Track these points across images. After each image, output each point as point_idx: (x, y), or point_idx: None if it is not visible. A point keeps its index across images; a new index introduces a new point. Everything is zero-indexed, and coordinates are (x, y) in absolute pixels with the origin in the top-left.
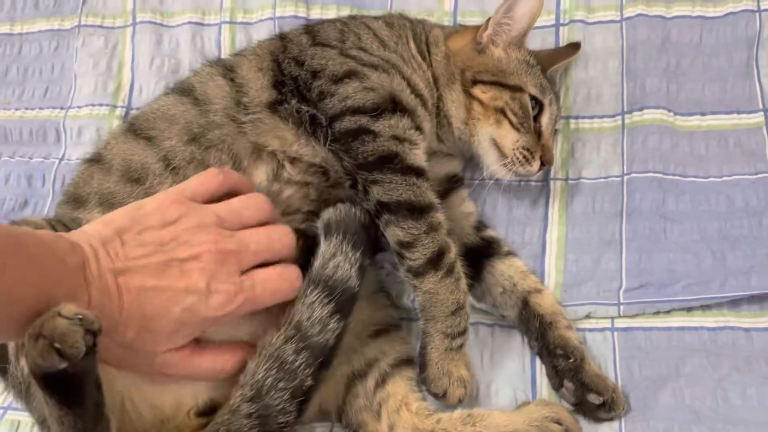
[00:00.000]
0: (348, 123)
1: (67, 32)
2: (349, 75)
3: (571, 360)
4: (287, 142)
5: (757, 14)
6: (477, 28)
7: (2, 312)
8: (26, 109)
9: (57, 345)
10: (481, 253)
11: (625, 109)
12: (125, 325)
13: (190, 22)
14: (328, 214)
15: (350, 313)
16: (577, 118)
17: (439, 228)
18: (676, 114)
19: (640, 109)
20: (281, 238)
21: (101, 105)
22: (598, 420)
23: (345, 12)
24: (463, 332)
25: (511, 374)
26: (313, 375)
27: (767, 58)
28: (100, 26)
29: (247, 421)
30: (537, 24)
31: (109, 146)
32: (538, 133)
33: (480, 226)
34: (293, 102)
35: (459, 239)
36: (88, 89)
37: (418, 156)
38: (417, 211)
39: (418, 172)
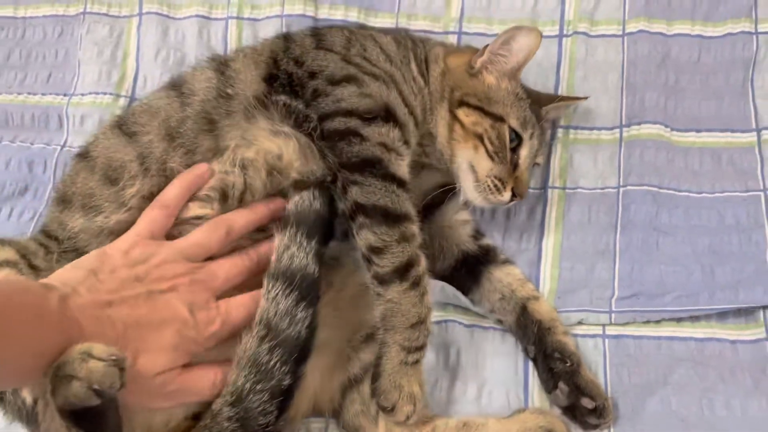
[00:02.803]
0: (338, 123)
1: (72, 18)
2: (348, 79)
3: (568, 364)
4: (255, 145)
5: (754, 36)
6: (476, 50)
7: None
8: (29, 93)
9: (96, 387)
10: (478, 261)
11: (624, 123)
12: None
13: (197, 15)
14: (287, 208)
15: (317, 299)
16: (576, 128)
17: (411, 239)
18: (672, 129)
19: (638, 123)
20: (241, 266)
21: (105, 94)
22: (587, 426)
23: (353, 13)
24: (420, 347)
25: (504, 377)
26: (290, 372)
27: (762, 80)
28: (105, 14)
29: (227, 424)
30: (548, 34)
31: (96, 142)
32: (515, 165)
33: (477, 234)
34: (282, 96)
35: (457, 246)
36: (92, 77)
37: (401, 167)
38: (392, 218)
39: (399, 182)
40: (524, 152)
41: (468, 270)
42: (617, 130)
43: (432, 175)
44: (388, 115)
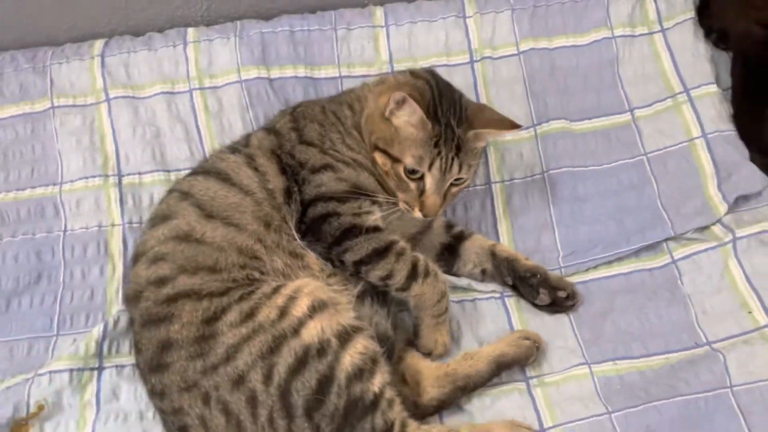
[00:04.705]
0: (320, 208)
1: (41, 114)
2: (326, 167)
3: (538, 276)
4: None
5: (612, 40)
6: (390, 89)
7: None
8: (17, 190)
9: None
10: (454, 244)
11: (535, 122)
12: None
13: (162, 92)
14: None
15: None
16: None
17: (404, 252)
18: (571, 121)
19: (547, 121)
20: None
21: (94, 177)
22: (566, 309)
23: (300, 70)
24: (446, 310)
25: (495, 330)
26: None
27: (625, 71)
28: (73, 105)
29: None
30: (456, 62)
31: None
32: (422, 191)
33: (448, 226)
34: (295, 187)
35: (437, 241)
36: (77, 164)
37: (374, 218)
38: (383, 251)
39: (375, 229)
40: (429, 181)
41: (449, 253)
42: (532, 129)
43: None
44: (358, 192)
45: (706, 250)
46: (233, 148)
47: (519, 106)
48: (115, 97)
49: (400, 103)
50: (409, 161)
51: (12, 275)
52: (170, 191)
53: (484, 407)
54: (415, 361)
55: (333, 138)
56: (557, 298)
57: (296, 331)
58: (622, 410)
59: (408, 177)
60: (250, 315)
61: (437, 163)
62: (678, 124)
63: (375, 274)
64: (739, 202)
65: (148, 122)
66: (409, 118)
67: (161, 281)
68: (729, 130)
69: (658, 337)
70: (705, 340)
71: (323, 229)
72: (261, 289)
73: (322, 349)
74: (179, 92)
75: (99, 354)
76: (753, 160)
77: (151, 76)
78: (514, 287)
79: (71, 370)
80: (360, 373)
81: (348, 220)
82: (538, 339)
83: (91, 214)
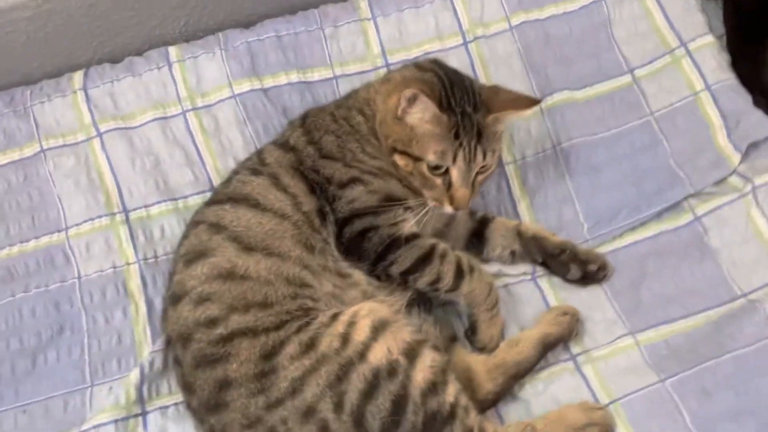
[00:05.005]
0: (357, 226)
1: (31, 159)
2: (354, 181)
3: (568, 251)
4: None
5: (602, 2)
6: (398, 88)
7: None
8: (21, 242)
9: None
10: (480, 229)
11: (539, 97)
12: None
13: (154, 119)
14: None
15: None
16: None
17: (446, 253)
18: (573, 90)
19: (551, 94)
20: None
21: (100, 217)
22: (598, 280)
23: (293, 75)
24: (497, 301)
25: (533, 312)
26: None
27: (619, 32)
28: (64, 145)
29: None
30: (449, 45)
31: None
32: (449, 185)
33: (471, 212)
34: (327, 206)
35: (464, 229)
36: (80, 207)
37: (409, 226)
38: (427, 256)
39: (414, 236)
40: (455, 174)
41: (477, 240)
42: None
43: None
44: (391, 201)
45: (728, 203)
46: (254, 170)
47: (520, 81)
48: (107, 131)
49: (412, 101)
50: (431, 158)
51: (33, 331)
52: (196, 223)
53: (538, 393)
54: (462, 357)
55: (353, 148)
56: (588, 272)
57: (362, 355)
58: (675, 375)
59: (433, 174)
60: (310, 346)
61: (460, 155)
62: (680, 80)
63: (423, 280)
64: (749, 150)
65: (145, 152)
66: (423, 115)
67: (212, 322)
68: (731, 78)
69: (695, 295)
70: (740, 293)
71: (364, 246)
72: (318, 319)
73: (392, 370)
74: (172, 116)
75: (140, 399)
76: (757, 104)
77: (139, 103)
78: (544, 264)
79: (116, 421)
80: (434, 387)
81: (387, 233)
82: (576, 312)
83: (104, 255)
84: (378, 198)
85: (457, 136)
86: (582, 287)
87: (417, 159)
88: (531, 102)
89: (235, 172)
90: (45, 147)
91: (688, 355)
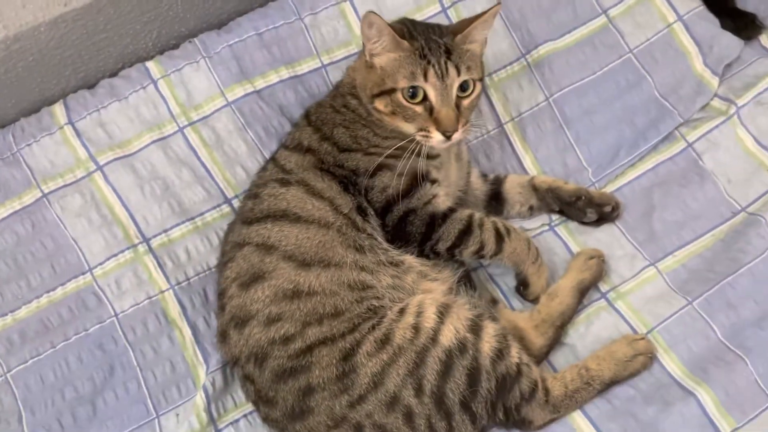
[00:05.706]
0: (396, 213)
1: (34, 206)
2: (380, 168)
3: (583, 197)
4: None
5: None
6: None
7: None
8: (47, 293)
9: None
10: (496, 190)
11: (524, 52)
12: None
13: (152, 141)
14: None
15: None
16: (494, 72)
17: (483, 221)
18: (555, 40)
19: (535, 47)
20: None
21: (122, 252)
22: (612, 219)
23: (283, 72)
24: (539, 253)
25: (560, 260)
26: None
27: None
28: (65, 186)
29: None
30: (429, 14)
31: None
32: (431, 110)
33: (483, 175)
34: (362, 198)
35: (480, 192)
36: (99, 246)
37: (443, 200)
38: (468, 228)
39: (451, 210)
40: (432, 94)
41: (496, 201)
42: (522, 60)
43: None
44: (420, 177)
45: (717, 126)
46: (281, 180)
47: (503, 39)
48: (106, 162)
49: (371, 25)
50: (402, 82)
51: (84, 377)
52: (239, 244)
53: (581, 336)
54: (508, 318)
55: (365, 134)
56: (603, 213)
57: (434, 339)
58: (701, 296)
59: (411, 103)
60: (385, 341)
61: (431, 71)
62: (653, 14)
63: (469, 251)
64: (724, 72)
65: (151, 177)
66: (383, 44)
67: (288, 339)
68: (700, 5)
69: (701, 217)
70: (739, 207)
71: (408, 230)
72: (387, 316)
73: (462, 347)
74: (170, 135)
75: (211, 420)
76: (724, 26)
77: (133, 127)
78: (560, 211)
79: None
80: (500, 353)
81: (425, 212)
82: (601, 253)
83: (136, 289)
84: (408, 179)
85: (423, 56)
86: (596, 228)
87: (392, 90)
88: (492, 8)
89: (258, 186)
90: (46, 191)
91: (707, 275)
